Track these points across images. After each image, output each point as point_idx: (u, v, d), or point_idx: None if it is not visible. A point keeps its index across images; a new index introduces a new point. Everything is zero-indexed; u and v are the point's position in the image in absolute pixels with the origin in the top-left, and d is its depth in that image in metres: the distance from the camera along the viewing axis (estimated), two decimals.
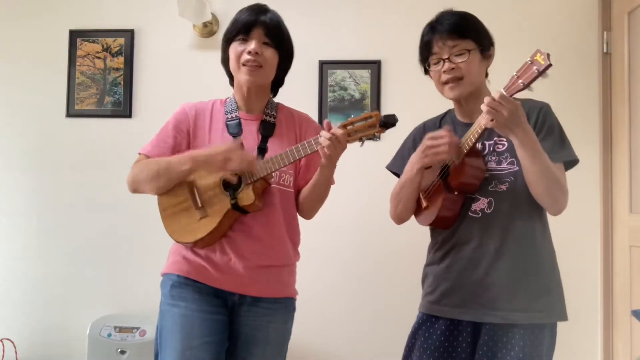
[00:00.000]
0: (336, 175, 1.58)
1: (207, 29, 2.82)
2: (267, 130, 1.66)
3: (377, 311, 2.70)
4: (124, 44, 2.88)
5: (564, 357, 1.75)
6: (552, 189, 1.46)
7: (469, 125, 1.55)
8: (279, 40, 1.64)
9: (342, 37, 2.80)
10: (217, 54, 1.75)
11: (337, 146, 1.47)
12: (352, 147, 2.73)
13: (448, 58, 1.56)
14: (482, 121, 1.41)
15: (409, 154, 1.69)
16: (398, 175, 1.75)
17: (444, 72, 1.57)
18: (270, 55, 1.63)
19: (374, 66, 2.76)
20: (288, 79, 1.67)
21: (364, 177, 2.70)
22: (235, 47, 1.63)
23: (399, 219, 1.72)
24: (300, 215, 1.74)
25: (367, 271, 2.72)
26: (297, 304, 1.65)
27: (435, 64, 1.60)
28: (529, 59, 1.30)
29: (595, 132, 2.63)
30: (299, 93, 2.78)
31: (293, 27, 3.04)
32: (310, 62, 2.79)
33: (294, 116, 1.74)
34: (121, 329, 2.61)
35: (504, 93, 1.34)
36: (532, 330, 1.50)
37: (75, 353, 2.76)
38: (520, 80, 1.31)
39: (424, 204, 1.62)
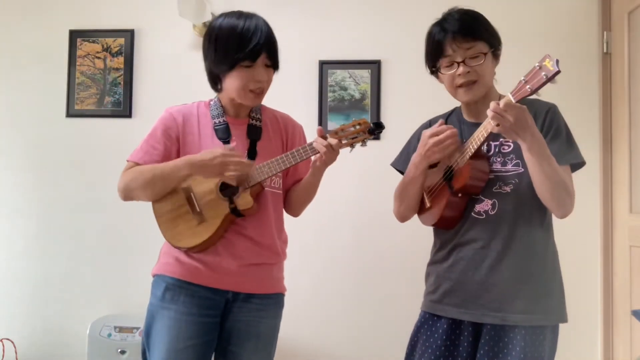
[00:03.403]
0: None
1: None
2: (255, 134, 1.70)
3: (380, 309, 2.70)
4: (124, 44, 2.88)
5: (564, 357, 1.75)
6: (558, 193, 1.45)
7: (475, 124, 1.55)
8: (276, 58, 1.66)
9: (342, 37, 2.80)
10: None
11: (333, 153, 1.56)
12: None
13: (463, 61, 1.52)
14: (488, 126, 1.40)
15: (415, 151, 1.69)
16: (402, 173, 1.75)
17: (459, 75, 1.53)
18: (272, 75, 1.66)
19: (374, 66, 2.76)
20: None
21: (365, 176, 2.70)
22: (242, 74, 1.59)
23: (402, 217, 1.74)
24: (288, 213, 1.79)
25: (369, 269, 2.72)
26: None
27: (447, 66, 1.56)
28: (537, 64, 1.28)
29: (595, 132, 2.63)
30: (299, 93, 2.78)
31: (293, 27, 3.03)
32: (310, 62, 2.79)
33: (278, 118, 1.78)
34: (121, 329, 2.61)
35: (511, 99, 1.32)
36: (534, 331, 1.49)
37: (75, 353, 2.76)
38: (527, 86, 1.29)
39: (428, 204, 1.63)
